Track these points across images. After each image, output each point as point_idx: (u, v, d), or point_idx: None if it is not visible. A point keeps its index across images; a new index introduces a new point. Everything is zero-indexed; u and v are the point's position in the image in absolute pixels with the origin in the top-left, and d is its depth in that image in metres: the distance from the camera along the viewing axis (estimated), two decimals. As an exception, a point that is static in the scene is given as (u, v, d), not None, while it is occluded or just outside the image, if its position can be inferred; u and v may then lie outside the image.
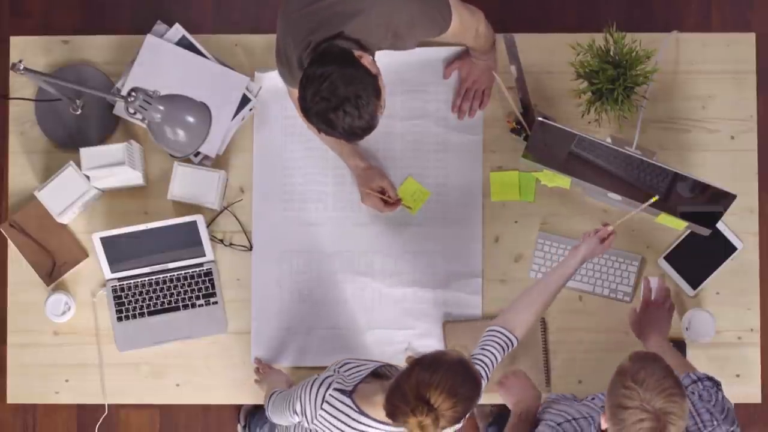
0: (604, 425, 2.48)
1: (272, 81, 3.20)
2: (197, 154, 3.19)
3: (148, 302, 3.17)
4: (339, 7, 2.65)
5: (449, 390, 2.42)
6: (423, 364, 2.47)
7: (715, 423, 2.60)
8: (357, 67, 2.58)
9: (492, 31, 3.04)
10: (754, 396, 3.15)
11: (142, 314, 3.17)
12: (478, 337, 3.13)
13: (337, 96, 2.55)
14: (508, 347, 2.75)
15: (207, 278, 3.17)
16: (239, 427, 3.67)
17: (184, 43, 3.20)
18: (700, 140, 3.18)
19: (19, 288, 3.20)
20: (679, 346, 3.13)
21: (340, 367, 2.71)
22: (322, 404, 2.63)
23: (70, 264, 3.18)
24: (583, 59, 3.02)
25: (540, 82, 3.21)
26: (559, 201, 3.18)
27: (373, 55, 2.71)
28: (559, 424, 2.65)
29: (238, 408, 3.73)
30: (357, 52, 2.61)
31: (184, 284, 3.17)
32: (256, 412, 3.63)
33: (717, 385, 2.72)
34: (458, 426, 2.51)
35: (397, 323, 3.17)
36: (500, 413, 3.58)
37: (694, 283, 3.15)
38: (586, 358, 3.15)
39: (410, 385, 2.44)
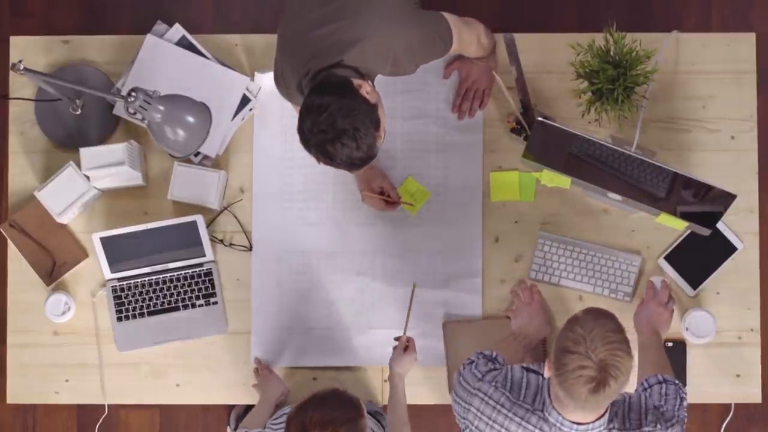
0: (547, 373, 2.50)
1: (272, 81, 3.20)
2: (197, 154, 3.19)
3: (148, 302, 3.17)
4: (338, 35, 2.65)
5: (322, 419, 2.52)
6: (297, 408, 2.57)
7: (658, 427, 2.61)
8: (355, 98, 2.58)
9: (492, 37, 3.05)
10: (754, 396, 3.15)
11: (142, 314, 3.17)
12: (478, 337, 3.13)
13: (335, 129, 2.56)
14: None
15: (207, 278, 3.17)
16: (228, 429, 3.67)
17: (184, 43, 3.20)
18: (700, 140, 3.18)
19: (19, 288, 3.20)
20: (679, 346, 3.13)
21: (275, 419, 2.84)
22: None
23: (70, 264, 3.18)
24: (583, 59, 3.02)
25: (540, 82, 3.21)
26: (559, 201, 3.18)
27: (372, 81, 2.71)
28: (527, 369, 2.70)
29: (229, 409, 3.73)
30: (356, 81, 2.61)
31: (184, 284, 3.17)
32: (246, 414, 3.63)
33: (680, 392, 2.73)
34: None
35: (397, 323, 3.17)
36: None
37: (694, 283, 3.15)
38: (586, 358, 3.15)
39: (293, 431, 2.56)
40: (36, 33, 3.88)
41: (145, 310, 3.17)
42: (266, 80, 3.20)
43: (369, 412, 3.12)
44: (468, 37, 2.89)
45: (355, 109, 2.57)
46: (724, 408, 3.78)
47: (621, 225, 3.17)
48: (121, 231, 3.13)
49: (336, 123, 2.55)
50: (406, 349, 3.03)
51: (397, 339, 3.04)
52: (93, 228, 3.20)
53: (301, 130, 2.60)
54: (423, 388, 3.16)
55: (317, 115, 2.56)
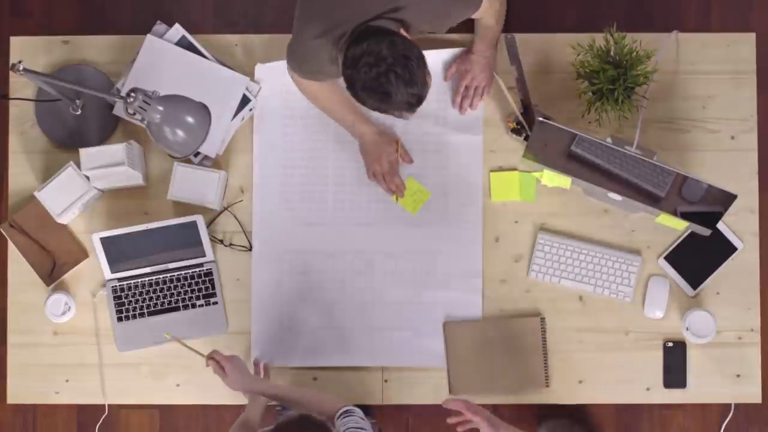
0: None
1: (274, 73, 3.19)
2: (197, 154, 3.19)
3: (148, 302, 3.17)
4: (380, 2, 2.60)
5: None
6: None
7: None
8: (397, 35, 2.50)
9: (504, 12, 3.02)
10: (754, 396, 3.15)
11: (142, 314, 3.17)
12: (478, 337, 3.13)
13: (384, 60, 2.47)
14: None
15: (207, 278, 3.17)
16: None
17: (184, 43, 3.20)
18: (700, 140, 3.18)
19: (19, 288, 3.20)
20: (679, 346, 3.14)
21: None
22: None
23: (70, 264, 3.18)
24: (584, 59, 3.03)
25: (540, 82, 3.21)
26: (559, 201, 3.18)
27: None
28: None
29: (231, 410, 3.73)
30: (394, 29, 2.55)
31: (184, 284, 3.17)
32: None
33: None
34: None
35: (397, 323, 3.17)
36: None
37: (694, 283, 3.15)
38: (586, 358, 3.15)
39: None
40: (36, 33, 3.88)
41: (145, 310, 3.17)
42: (267, 72, 3.19)
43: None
44: None
45: (398, 42, 2.48)
46: (724, 408, 3.78)
47: (621, 225, 3.17)
48: (121, 231, 3.13)
49: (382, 53, 2.46)
50: (222, 369, 2.90)
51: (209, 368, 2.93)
52: (93, 228, 3.20)
53: (350, 79, 2.50)
54: (423, 388, 3.16)
55: (360, 58, 2.46)
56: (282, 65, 3.18)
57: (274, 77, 3.20)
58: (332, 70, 2.74)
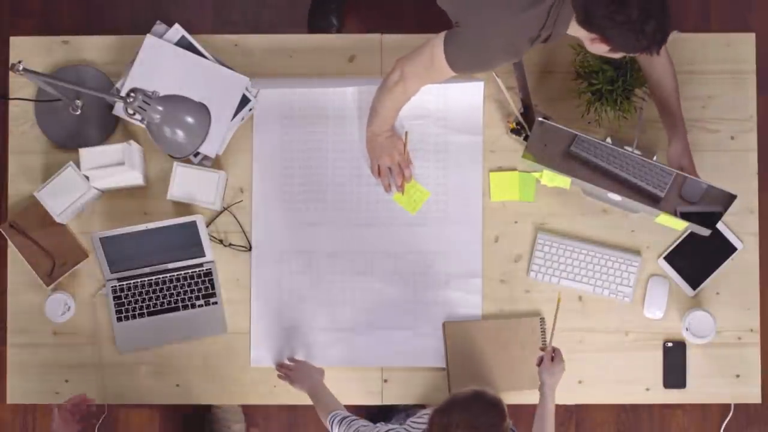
0: None
1: (269, 88, 3.20)
2: (197, 154, 3.19)
3: (148, 302, 3.17)
4: None
5: (468, 425, 2.54)
6: (439, 410, 2.58)
7: None
8: None
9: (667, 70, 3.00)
10: (754, 396, 3.15)
11: (141, 314, 3.17)
12: (478, 337, 3.13)
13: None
14: None
15: (207, 278, 3.17)
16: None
17: (183, 44, 3.21)
18: (700, 140, 3.18)
19: (19, 288, 3.20)
20: (679, 346, 3.14)
21: (415, 419, 2.81)
22: None
23: (70, 264, 3.18)
24: (583, 59, 3.03)
25: (540, 82, 3.21)
26: (559, 201, 3.18)
27: None
28: None
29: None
30: None
31: (183, 284, 3.17)
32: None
33: None
34: None
35: (397, 323, 3.17)
36: None
37: (694, 283, 3.15)
38: (586, 358, 3.15)
39: None
40: (36, 33, 3.88)
41: (145, 311, 3.17)
42: (263, 88, 3.20)
43: None
44: None
45: None
46: (724, 408, 3.78)
47: (621, 225, 3.17)
48: (121, 231, 3.13)
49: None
50: (552, 359, 2.95)
51: (542, 349, 2.97)
52: (93, 228, 3.20)
53: (642, 31, 2.58)
54: (423, 388, 3.16)
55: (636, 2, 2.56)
56: (278, 92, 3.18)
57: (271, 84, 3.20)
58: (525, 46, 2.74)
